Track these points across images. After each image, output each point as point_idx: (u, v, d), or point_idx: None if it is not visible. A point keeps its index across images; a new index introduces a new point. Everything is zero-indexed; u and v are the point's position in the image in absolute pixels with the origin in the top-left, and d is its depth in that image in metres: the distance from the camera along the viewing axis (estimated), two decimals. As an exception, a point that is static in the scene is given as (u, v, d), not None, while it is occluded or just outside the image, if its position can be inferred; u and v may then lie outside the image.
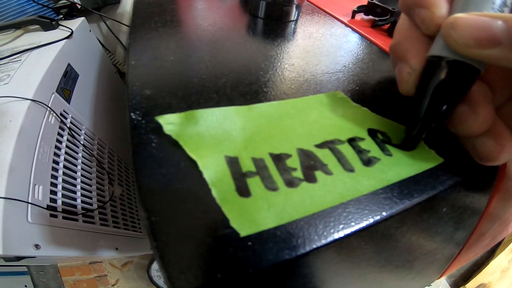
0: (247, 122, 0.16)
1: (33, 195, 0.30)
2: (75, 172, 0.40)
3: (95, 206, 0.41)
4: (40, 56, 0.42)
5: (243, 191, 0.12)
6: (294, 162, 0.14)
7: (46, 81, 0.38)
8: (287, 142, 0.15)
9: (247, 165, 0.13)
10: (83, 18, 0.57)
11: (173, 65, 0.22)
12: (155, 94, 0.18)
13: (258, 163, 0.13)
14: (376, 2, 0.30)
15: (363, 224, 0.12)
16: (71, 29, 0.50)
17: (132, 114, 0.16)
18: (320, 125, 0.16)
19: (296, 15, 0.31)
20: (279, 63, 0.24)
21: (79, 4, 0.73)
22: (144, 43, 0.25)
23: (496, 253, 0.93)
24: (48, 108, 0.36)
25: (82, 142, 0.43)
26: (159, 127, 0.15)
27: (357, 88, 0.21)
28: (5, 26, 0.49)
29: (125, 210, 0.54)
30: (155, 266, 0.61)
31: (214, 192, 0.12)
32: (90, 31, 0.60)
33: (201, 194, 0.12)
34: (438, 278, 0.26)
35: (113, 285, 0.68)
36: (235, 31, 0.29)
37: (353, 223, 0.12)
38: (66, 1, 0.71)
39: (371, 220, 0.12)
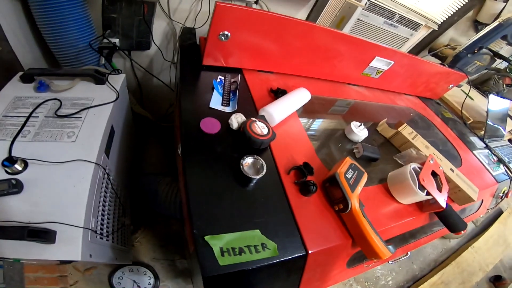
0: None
1: (91, 224, 0.48)
2: (105, 207, 0.57)
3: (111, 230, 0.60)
4: (96, 118, 0.59)
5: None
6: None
7: (101, 144, 0.56)
8: None
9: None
10: (124, 76, 0.74)
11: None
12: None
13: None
14: (301, 167, 0.49)
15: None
16: (117, 91, 0.68)
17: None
18: None
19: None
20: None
21: (117, 46, 0.91)
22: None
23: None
24: (102, 168, 0.54)
25: (110, 186, 0.61)
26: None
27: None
28: (67, 73, 0.65)
29: (126, 232, 0.71)
30: (117, 274, 0.76)
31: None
32: (126, 86, 0.77)
33: None
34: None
35: (71, 285, 0.80)
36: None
37: None
38: (108, 41, 0.88)
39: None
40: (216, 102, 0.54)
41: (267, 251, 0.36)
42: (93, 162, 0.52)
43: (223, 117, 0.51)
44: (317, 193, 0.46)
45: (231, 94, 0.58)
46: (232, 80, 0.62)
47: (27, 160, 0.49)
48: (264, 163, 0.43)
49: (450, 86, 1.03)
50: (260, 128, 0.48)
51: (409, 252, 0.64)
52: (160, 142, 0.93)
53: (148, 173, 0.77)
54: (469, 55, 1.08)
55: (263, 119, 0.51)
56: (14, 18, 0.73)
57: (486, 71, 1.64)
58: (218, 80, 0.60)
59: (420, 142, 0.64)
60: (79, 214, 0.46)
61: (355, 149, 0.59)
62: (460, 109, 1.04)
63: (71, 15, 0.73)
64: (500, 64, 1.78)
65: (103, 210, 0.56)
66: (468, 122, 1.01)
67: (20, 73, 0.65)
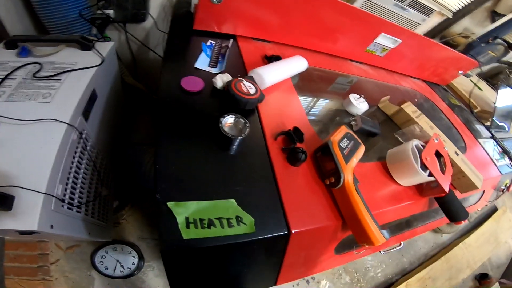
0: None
1: (57, 191, 0.44)
2: (78, 175, 0.54)
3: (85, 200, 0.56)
4: (76, 80, 0.56)
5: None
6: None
7: (78, 106, 0.53)
8: None
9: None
10: (113, 43, 0.71)
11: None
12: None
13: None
14: (291, 132, 0.44)
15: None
16: (103, 57, 0.65)
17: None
18: None
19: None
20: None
21: (111, 18, 0.88)
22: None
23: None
24: (76, 131, 0.51)
25: (87, 152, 0.58)
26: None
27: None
28: (52, 39, 0.62)
29: (106, 206, 0.68)
30: (100, 253, 0.74)
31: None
32: (116, 54, 0.74)
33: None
34: (276, 285, 0.43)
35: (51, 263, 0.78)
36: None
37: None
38: (102, 12, 0.85)
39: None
40: (202, 63, 0.51)
41: (242, 227, 0.31)
42: (65, 123, 0.48)
43: (209, 78, 0.48)
44: (306, 164, 0.42)
45: (220, 57, 0.54)
46: (223, 45, 0.58)
47: None
48: (247, 123, 0.40)
49: (460, 72, 0.98)
50: (247, 87, 0.44)
51: (402, 243, 0.60)
52: (150, 113, 0.90)
53: (135, 143, 0.74)
54: (482, 45, 1.02)
55: (251, 80, 0.48)
56: None
57: (498, 64, 1.58)
58: (208, 43, 0.57)
59: (424, 122, 0.59)
60: (42, 178, 0.41)
61: (353, 122, 0.55)
62: (468, 97, 0.99)
63: None
64: (512, 58, 1.71)
65: (75, 178, 0.53)
66: (475, 111, 0.96)
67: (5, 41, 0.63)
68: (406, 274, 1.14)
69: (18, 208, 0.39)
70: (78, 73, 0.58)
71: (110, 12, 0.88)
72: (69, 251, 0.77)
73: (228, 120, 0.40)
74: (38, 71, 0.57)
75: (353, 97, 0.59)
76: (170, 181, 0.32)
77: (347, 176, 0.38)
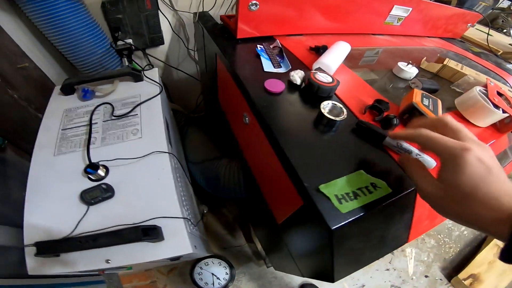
0: None
1: (184, 214, 0.50)
2: (185, 196, 0.59)
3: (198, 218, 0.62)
4: (150, 112, 0.61)
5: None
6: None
7: (165, 134, 0.58)
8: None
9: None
10: (157, 69, 0.76)
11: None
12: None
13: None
14: (376, 104, 0.51)
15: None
16: (159, 84, 0.69)
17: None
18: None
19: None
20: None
21: (134, 46, 0.92)
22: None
23: (482, 247, 1.18)
24: (174, 156, 0.56)
25: (184, 174, 0.63)
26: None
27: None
28: (105, 76, 0.66)
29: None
30: (196, 269, 0.78)
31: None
32: (161, 79, 0.78)
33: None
34: (408, 242, 0.47)
35: None
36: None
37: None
38: (124, 43, 0.89)
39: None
40: (268, 66, 0.56)
41: (379, 190, 0.36)
42: (166, 152, 0.54)
43: (280, 78, 0.53)
44: (397, 127, 0.47)
45: (277, 58, 0.59)
46: (271, 46, 0.63)
47: (106, 164, 0.51)
48: (342, 106, 0.45)
49: (469, 25, 1.05)
50: (323, 77, 0.50)
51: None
52: (201, 130, 0.94)
53: (204, 160, 0.79)
54: None
55: (319, 70, 0.53)
56: (24, 36, 0.74)
57: (492, 10, 1.67)
58: (259, 48, 0.62)
59: (469, 71, 0.66)
60: (174, 205, 0.47)
61: (413, 84, 0.61)
62: (486, 43, 1.06)
63: (80, 25, 0.74)
64: (503, 3, 1.81)
65: (184, 199, 0.59)
66: (499, 53, 1.03)
67: (59, 86, 0.67)
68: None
69: (167, 236, 0.44)
70: (147, 105, 0.63)
71: (130, 41, 0.92)
72: (171, 274, 0.83)
73: (327, 106, 0.45)
74: (113, 111, 0.61)
75: (401, 64, 0.65)
76: (307, 169, 0.37)
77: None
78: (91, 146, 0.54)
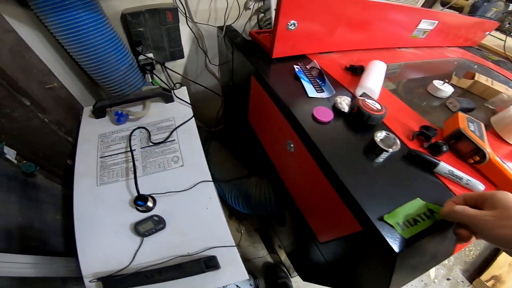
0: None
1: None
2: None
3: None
4: (187, 136, 0.60)
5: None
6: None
7: (206, 162, 0.57)
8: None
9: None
10: (185, 88, 0.75)
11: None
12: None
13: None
14: (423, 131, 0.53)
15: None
16: (191, 105, 0.68)
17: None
18: None
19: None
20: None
21: (155, 61, 0.90)
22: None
23: (501, 250, 1.24)
24: (216, 183, 0.56)
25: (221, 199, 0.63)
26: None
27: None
28: (137, 98, 0.65)
29: None
30: None
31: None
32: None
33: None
34: (453, 254, 0.49)
35: None
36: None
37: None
38: (145, 57, 0.88)
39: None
40: (311, 91, 0.55)
41: (436, 215, 0.38)
42: (210, 181, 0.53)
43: (325, 104, 0.53)
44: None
45: (318, 80, 0.59)
46: (308, 67, 0.63)
47: (154, 196, 0.51)
48: (395, 137, 0.46)
49: (487, 33, 1.07)
50: (372, 104, 0.50)
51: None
52: (223, 147, 0.94)
53: (232, 179, 0.79)
54: (485, 4, 1.11)
55: (366, 96, 0.53)
56: (48, 53, 0.72)
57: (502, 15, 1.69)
58: (297, 69, 0.61)
59: (499, 86, 0.67)
60: (226, 234, 0.48)
61: (450, 104, 0.62)
62: (503, 51, 1.07)
63: (102, 38, 0.72)
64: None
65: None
66: None
67: (89, 108, 0.66)
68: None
69: (223, 264, 0.45)
70: (183, 129, 0.63)
71: (150, 55, 0.91)
72: None
73: (381, 137, 0.45)
74: (150, 136, 0.60)
75: (437, 83, 0.65)
76: (367, 199, 0.38)
77: (491, 152, 0.45)
78: (132, 176, 0.53)
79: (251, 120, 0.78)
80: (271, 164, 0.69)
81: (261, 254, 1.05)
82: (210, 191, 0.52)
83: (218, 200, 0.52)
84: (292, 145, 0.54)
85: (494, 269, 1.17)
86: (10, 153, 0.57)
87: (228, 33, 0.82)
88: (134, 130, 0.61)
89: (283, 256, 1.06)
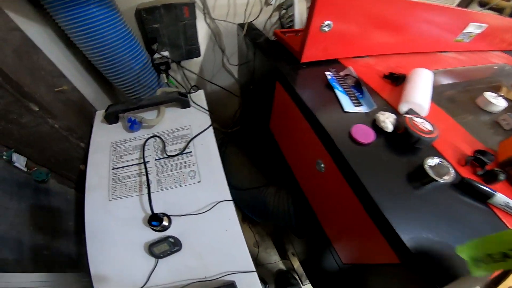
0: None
1: None
2: None
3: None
4: (205, 148, 0.55)
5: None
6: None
7: (225, 178, 0.52)
8: None
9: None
10: (202, 91, 0.69)
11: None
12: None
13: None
14: (478, 156, 0.45)
15: None
16: (208, 112, 0.63)
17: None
18: None
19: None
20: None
21: (170, 59, 0.85)
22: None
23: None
24: (234, 202, 0.51)
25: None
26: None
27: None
28: (152, 104, 0.60)
29: None
30: None
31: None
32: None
33: None
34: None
35: None
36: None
37: None
38: (161, 56, 0.82)
39: None
40: (347, 104, 0.49)
41: None
42: (230, 200, 0.48)
43: (363, 120, 0.46)
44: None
45: (354, 91, 0.52)
46: (342, 74, 0.56)
47: (170, 216, 0.46)
48: (449, 165, 0.39)
49: None
50: (421, 124, 0.43)
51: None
52: (240, 152, 0.88)
53: (249, 188, 0.74)
54: None
55: (412, 113, 0.46)
56: (59, 51, 0.68)
57: None
58: (330, 77, 0.55)
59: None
60: (246, 258, 0.44)
61: (503, 121, 0.54)
62: None
63: (116, 35, 0.67)
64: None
65: None
66: None
67: (101, 112, 0.61)
68: None
69: None
70: (200, 139, 0.58)
71: (166, 53, 0.85)
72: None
73: (432, 163, 0.39)
74: (165, 146, 0.55)
75: (489, 96, 0.57)
76: (411, 232, 0.33)
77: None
78: (146, 191, 0.49)
79: (273, 128, 0.72)
80: (293, 178, 0.63)
81: (273, 259, 1.02)
82: (229, 211, 0.48)
83: (238, 221, 0.47)
84: (322, 165, 0.48)
85: (510, 281, 1.09)
86: (20, 161, 0.54)
87: (249, 32, 0.75)
88: (148, 139, 0.56)
89: (296, 264, 1.03)
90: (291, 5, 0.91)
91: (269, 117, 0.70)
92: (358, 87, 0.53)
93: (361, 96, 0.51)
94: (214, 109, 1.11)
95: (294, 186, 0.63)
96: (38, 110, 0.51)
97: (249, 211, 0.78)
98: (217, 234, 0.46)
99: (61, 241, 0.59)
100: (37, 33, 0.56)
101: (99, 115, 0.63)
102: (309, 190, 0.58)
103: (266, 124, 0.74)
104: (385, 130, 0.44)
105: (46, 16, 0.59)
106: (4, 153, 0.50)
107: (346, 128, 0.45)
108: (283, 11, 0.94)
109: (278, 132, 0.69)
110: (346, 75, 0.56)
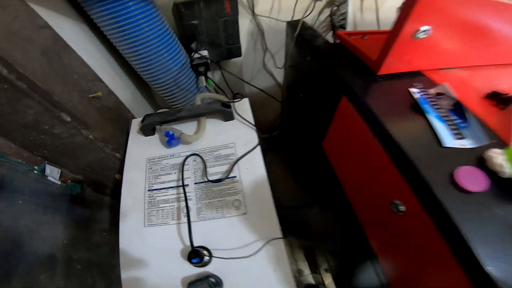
0: None
1: None
2: None
3: None
4: (251, 172, 0.47)
5: None
6: None
7: (275, 211, 0.43)
8: None
9: None
10: (247, 99, 0.61)
11: None
12: None
13: None
14: None
15: None
16: (254, 127, 0.54)
17: None
18: None
19: None
20: None
21: (210, 59, 0.77)
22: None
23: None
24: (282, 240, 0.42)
25: None
26: None
27: None
28: (191, 115, 0.53)
29: None
30: None
31: None
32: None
33: None
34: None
35: None
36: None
37: None
38: (200, 55, 0.75)
39: None
40: (446, 136, 0.37)
41: None
42: (281, 238, 0.40)
43: (467, 158, 0.35)
44: None
45: (453, 116, 0.40)
46: (433, 92, 0.44)
47: (210, 250, 0.40)
48: None
49: None
50: None
51: None
52: (281, 162, 0.80)
53: (291, 206, 0.67)
54: None
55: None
56: (95, 50, 0.62)
57: None
58: (417, 95, 0.43)
59: None
60: None
61: None
62: None
63: (154, 32, 0.60)
64: None
65: None
66: None
67: (137, 120, 0.55)
68: None
69: None
70: (246, 162, 0.49)
71: (205, 53, 0.78)
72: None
73: None
74: (205, 168, 0.48)
75: None
76: None
77: None
78: (185, 220, 0.42)
79: (327, 147, 0.61)
80: (348, 205, 0.53)
81: (304, 273, 0.95)
82: (279, 251, 0.40)
83: (287, 261, 0.39)
84: (402, 208, 0.37)
85: None
86: (54, 174, 0.50)
87: (303, 32, 0.64)
88: (187, 157, 0.49)
89: (328, 280, 0.94)
90: (344, 1, 0.79)
91: (324, 134, 0.60)
92: (457, 112, 0.41)
93: (463, 125, 0.39)
94: (256, 116, 1.04)
95: (347, 213, 0.53)
96: (71, 120, 0.46)
97: (287, 228, 0.71)
98: (264, 276, 0.39)
99: (94, 252, 0.56)
100: (69, 30, 0.50)
101: (135, 123, 0.57)
102: (371, 225, 0.48)
103: (318, 140, 0.63)
104: (499, 175, 0.32)
105: (79, 11, 0.53)
106: (36, 167, 0.46)
107: (445, 169, 0.33)
108: (334, 8, 0.82)
109: (333, 153, 0.59)
110: (439, 94, 0.43)
